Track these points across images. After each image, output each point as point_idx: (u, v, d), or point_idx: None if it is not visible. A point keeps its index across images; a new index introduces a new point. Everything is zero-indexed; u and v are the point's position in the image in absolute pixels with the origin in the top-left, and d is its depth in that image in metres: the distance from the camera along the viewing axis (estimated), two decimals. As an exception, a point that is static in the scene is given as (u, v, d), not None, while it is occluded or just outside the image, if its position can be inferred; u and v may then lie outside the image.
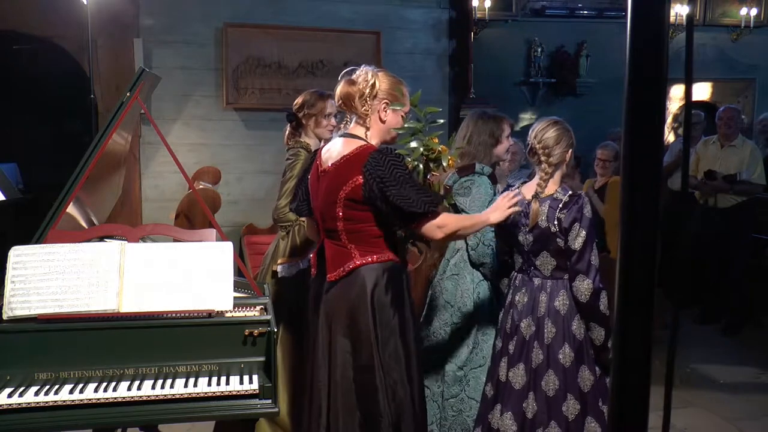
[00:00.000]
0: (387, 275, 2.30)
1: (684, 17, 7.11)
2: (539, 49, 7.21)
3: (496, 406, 2.68)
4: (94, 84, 5.35)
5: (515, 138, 5.51)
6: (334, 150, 2.36)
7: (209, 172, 5.71)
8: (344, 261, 2.31)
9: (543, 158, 2.59)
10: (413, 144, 2.40)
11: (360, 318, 2.26)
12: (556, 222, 2.54)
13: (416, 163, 2.38)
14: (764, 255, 5.48)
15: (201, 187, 5.21)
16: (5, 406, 1.92)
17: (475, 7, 6.58)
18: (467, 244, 2.98)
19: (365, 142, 2.32)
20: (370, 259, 2.29)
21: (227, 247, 2.23)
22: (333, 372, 2.29)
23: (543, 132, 2.61)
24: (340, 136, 2.40)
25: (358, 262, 2.29)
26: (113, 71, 5.68)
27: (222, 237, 2.37)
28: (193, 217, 4.60)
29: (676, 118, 7.26)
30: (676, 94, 7.17)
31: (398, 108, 2.36)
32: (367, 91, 2.32)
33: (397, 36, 6.38)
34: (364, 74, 2.35)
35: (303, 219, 3.05)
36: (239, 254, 5.14)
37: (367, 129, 2.35)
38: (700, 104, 7.47)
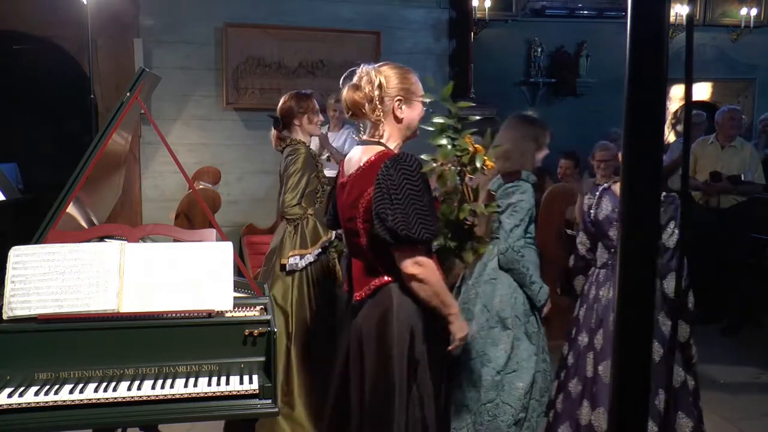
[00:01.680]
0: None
1: (684, 17, 7.11)
2: (539, 49, 7.22)
3: (584, 402, 2.71)
4: (94, 84, 5.35)
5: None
6: (354, 159, 2.19)
7: (209, 172, 5.71)
8: (370, 279, 2.14)
9: None
10: (443, 141, 2.15)
11: (383, 341, 2.08)
12: None
13: (449, 165, 2.13)
14: (764, 255, 5.48)
15: (201, 187, 5.21)
16: (5, 406, 1.91)
17: (475, 7, 6.58)
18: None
19: (383, 148, 2.13)
20: (397, 278, 2.09)
21: (227, 247, 2.23)
22: (362, 397, 2.13)
23: None
24: (359, 143, 2.23)
25: (385, 279, 2.11)
26: (113, 71, 5.68)
27: (222, 237, 2.37)
28: (193, 217, 4.60)
29: (675, 115, 7.27)
30: (676, 94, 7.17)
31: (414, 101, 2.16)
32: (376, 93, 2.12)
33: (397, 36, 6.38)
34: (367, 76, 2.14)
35: (310, 213, 3.16)
36: (239, 254, 5.14)
37: (384, 132, 2.16)
38: (700, 104, 7.48)
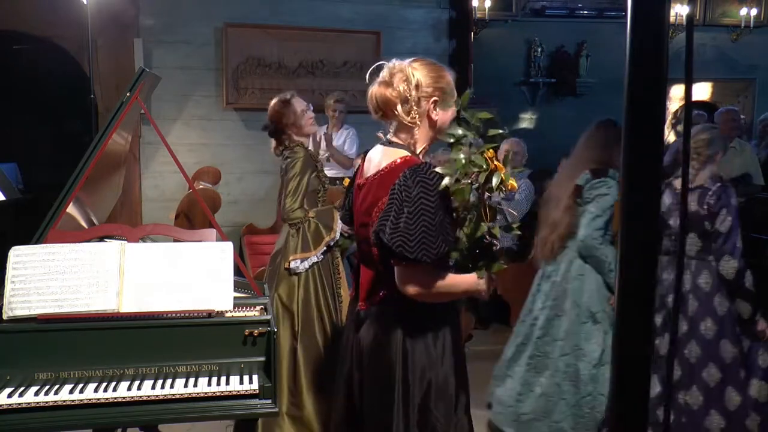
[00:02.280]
0: (427, 310, 1.94)
1: (684, 17, 7.11)
2: (539, 49, 7.22)
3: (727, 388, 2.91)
4: (94, 84, 5.35)
5: (516, 138, 5.52)
6: (374, 160, 2.02)
7: (209, 172, 5.71)
8: (377, 289, 2.01)
9: (694, 155, 2.98)
10: (459, 156, 1.86)
11: (384, 356, 1.95)
12: (705, 207, 2.90)
13: (465, 181, 1.84)
14: (764, 255, 5.47)
15: (201, 187, 5.21)
16: (5, 406, 1.91)
17: (475, 7, 6.58)
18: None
19: (408, 153, 1.96)
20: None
21: (227, 247, 2.23)
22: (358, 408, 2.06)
23: (697, 134, 3.03)
24: (382, 143, 2.05)
25: (389, 292, 1.95)
26: (113, 71, 5.68)
27: (222, 237, 2.37)
28: (193, 217, 4.61)
29: (675, 115, 7.26)
30: (676, 94, 7.17)
31: (449, 103, 1.98)
32: (413, 94, 1.92)
33: (397, 36, 6.38)
34: (401, 73, 1.94)
35: (312, 215, 3.21)
36: (239, 254, 5.14)
37: (414, 136, 1.98)
38: (700, 104, 7.47)
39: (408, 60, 1.99)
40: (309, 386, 3.14)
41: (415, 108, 1.93)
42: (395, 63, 1.99)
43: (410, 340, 1.93)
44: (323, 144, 5.13)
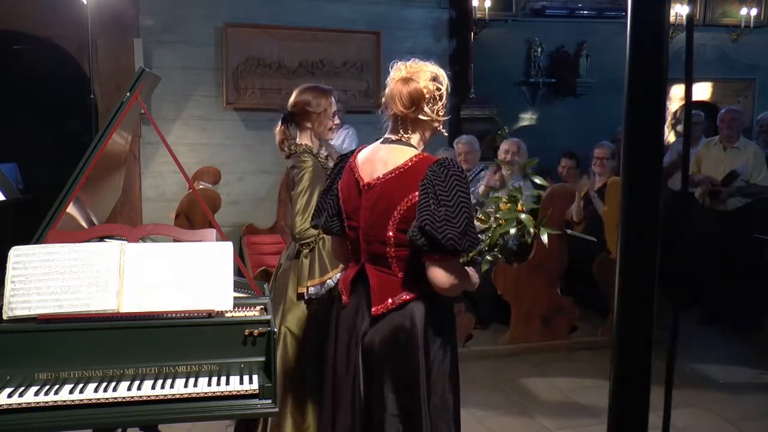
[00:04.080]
0: (439, 310, 2.03)
1: (684, 17, 7.11)
2: (539, 49, 7.21)
3: None
4: (94, 84, 5.35)
5: (516, 138, 5.54)
6: (379, 160, 2.04)
7: (209, 172, 5.71)
8: (394, 292, 2.00)
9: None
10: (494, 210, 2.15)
11: (409, 358, 1.98)
12: None
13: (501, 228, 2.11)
14: (768, 255, 5.46)
15: (201, 187, 5.21)
16: (5, 406, 1.91)
17: (475, 7, 6.58)
18: None
19: (417, 150, 2.01)
20: (422, 293, 1.97)
21: (227, 247, 2.23)
22: (371, 415, 2.04)
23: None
24: (382, 142, 2.08)
25: (409, 296, 1.99)
26: (113, 71, 5.68)
27: (222, 237, 2.37)
28: (193, 217, 4.60)
29: (675, 116, 7.26)
30: (676, 94, 7.17)
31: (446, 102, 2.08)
32: (442, 93, 2.02)
33: (397, 36, 6.38)
34: (426, 71, 2.02)
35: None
36: (239, 254, 5.14)
37: (420, 134, 2.06)
38: (700, 104, 7.47)
39: (427, 61, 2.06)
40: (313, 408, 2.82)
41: (439, 105, 2.01)
42: (424, 63, 2.05)
43: (431, 333, 2.00)
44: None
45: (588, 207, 5.20)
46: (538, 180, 2.28)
